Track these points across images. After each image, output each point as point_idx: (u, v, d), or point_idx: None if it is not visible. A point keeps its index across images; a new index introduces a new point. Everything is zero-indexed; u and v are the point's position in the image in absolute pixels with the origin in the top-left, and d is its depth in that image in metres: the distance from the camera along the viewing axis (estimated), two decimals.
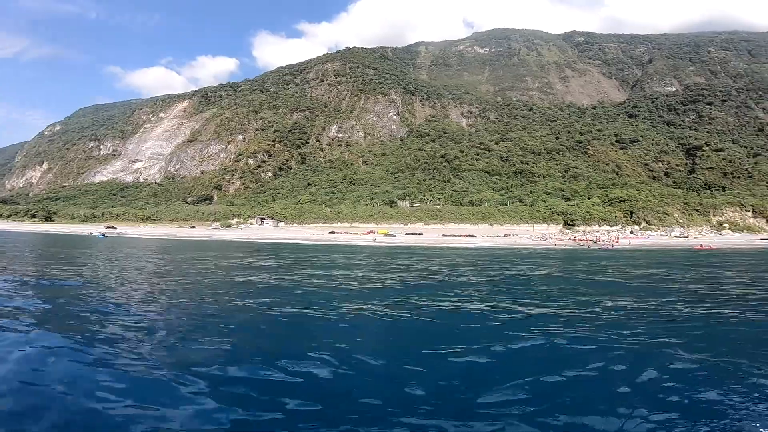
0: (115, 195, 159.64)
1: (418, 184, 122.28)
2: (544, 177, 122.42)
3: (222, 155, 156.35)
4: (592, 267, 35.09)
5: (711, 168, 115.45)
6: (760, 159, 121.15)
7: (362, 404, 7.32)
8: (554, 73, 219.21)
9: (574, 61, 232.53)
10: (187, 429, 6.57)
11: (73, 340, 10.82)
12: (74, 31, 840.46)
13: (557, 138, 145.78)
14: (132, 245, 57.36)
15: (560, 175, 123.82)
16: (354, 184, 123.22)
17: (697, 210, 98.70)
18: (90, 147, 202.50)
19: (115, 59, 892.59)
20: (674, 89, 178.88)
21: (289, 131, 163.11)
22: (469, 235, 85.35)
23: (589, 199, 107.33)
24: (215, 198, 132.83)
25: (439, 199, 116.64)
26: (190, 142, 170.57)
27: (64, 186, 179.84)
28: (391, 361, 9.92)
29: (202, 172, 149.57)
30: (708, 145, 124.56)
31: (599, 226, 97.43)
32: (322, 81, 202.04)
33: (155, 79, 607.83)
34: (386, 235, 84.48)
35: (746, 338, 12.88)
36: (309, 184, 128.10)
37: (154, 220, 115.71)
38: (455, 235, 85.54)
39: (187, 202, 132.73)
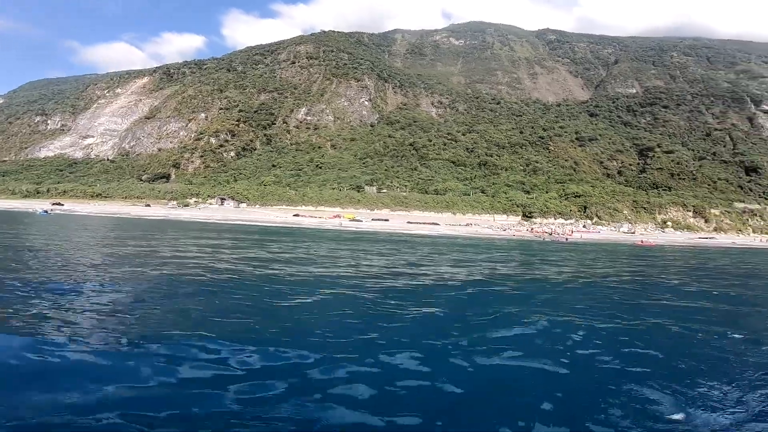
0: (62, 171, 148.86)
1: (386, 170, 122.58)
2: (506, 170, 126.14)
3: (182, 133, 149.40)
4: (547, 258, 36.84)
5: (660, 169, 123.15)
6: (705, 162, 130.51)
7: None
8: (524, 69, 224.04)
9: (544, 58, 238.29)
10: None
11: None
12: (29, 3, 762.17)
13: (521, 132, 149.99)
14: (79, 223, 54.02)
15: (522, 168, 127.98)
16: (321, 167, 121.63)
17: (644, 208, 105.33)
18: (36, 122, 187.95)
19: (73, 33, 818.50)
20: (635, 91, 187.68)
21: (255, 111, 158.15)
22: (433, 223, 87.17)
23: (547, 192, 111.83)
24: (173, 176, 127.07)
25: (405, 186, 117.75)
26: (148, 118, 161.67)
27: (4, 161, 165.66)
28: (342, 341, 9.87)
29: (159, 150, 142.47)
30: (659, 147, 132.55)
31: (555, 219, 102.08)
32: (293, 63, 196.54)
33: (115, 55, 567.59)
34: (353, 220, 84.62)
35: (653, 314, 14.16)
36: (274, 166, 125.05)
37: (106, 197, 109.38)
38: (420, 223, 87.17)
39: (141, 180, 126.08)
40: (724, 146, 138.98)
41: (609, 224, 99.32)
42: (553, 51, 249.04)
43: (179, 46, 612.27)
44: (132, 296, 13.05)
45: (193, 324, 10.23)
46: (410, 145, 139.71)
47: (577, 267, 29.90)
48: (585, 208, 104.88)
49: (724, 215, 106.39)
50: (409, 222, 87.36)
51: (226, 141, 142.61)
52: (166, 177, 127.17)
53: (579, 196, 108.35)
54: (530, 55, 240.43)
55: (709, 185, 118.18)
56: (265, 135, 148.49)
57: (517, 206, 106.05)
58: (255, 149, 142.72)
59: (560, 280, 21.81)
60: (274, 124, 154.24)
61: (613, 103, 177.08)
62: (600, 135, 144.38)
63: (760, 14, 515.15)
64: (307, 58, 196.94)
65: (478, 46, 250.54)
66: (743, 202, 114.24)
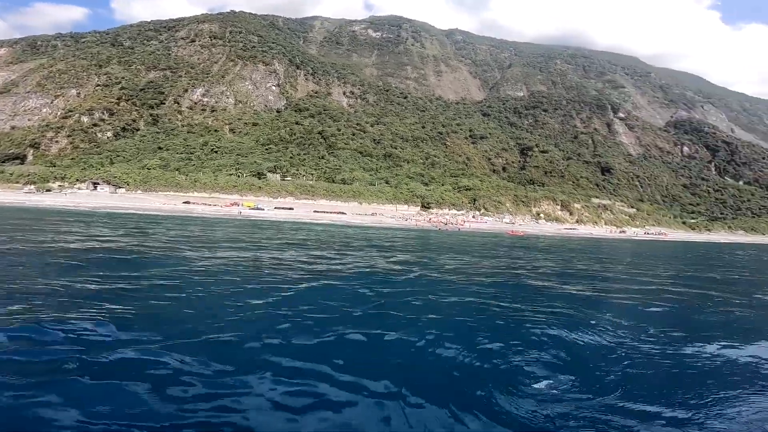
0: None
1: (291, 158, 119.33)
2: (408, 162, 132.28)
3: (45, 110, 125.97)
4: (444, 243, 39.99)
5: (536, 167, 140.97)
6: (571, 162, 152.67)
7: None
8: (431, 66, 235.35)
9: (450, 57, 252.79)
10: None
11: None
12: None
13: (423, 127, 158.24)
14: None
15: (422, 161, 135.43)
16: (217, 152, 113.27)
17: (523, 201, 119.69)
18: None
19: None
20: (522, 94, 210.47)
21: (141, 90, 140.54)
22: (340, 212, 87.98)
23: (443, 185, 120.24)
24: (30, 158, 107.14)
25: (312, 174, 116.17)
26: (1, 93, 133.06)
27: None
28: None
29: (12, 128, 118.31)
30: (537, 147, 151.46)
31: (449, 209, 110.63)
32: (193, 41, 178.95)
33: None
34: (253, 208, 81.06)
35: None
36: (160, 148, 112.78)
37: None
38: (326, 212, 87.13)
39: None
40: (587, 148, 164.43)
41: (494, 215, 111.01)
42: (459, 51, 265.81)
43: (55, 17, 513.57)
44: None
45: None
46: (319, 133, 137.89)
47: (461, 252, 33.22)
48: (475, 200, 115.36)
49: (584, 209, 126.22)
50: (315, 211, 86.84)
51: (102, 120, 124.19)
52: (21, 158, 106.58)
53: (470, 189, 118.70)
54: (438, 53, 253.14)
55: (573, 182, 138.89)
56: (151, 115, 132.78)
57: (417, 197, 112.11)
58: (138, 130, 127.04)
59: (448, 265, 24.04)
60: (164, 103, 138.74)
61: (504, 104, 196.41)
62: (490, 134, 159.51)
63: (630, 29, 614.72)
64: (210, 37, 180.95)
65: (394, 40, 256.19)
66: (598, 198, 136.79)
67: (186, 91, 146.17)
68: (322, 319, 10.44)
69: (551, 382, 7.32)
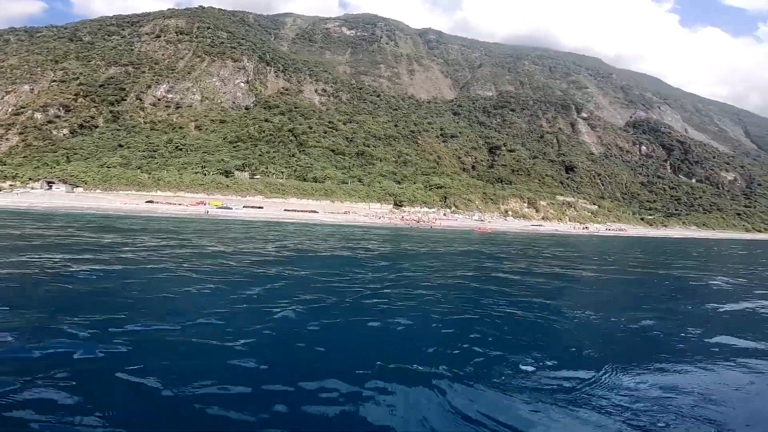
0: None
1: (260, 155, 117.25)
2: (381, 160, 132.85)
3: None
4: (421, 240, 40.45)
5: (504, 165, 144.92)
6: (537, 161, 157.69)
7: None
8: (404, 65, 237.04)
9: (422, 56, 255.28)
10: None
11: None
12: None
13: (396, 126, 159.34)
14: None
15: (394, 160, 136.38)
16: (181, 149, 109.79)
17: (491, 199, 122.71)
18: None
19: None
20: (491, 94, 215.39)
21: (100, 86, 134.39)
22: (312, 211, 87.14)
23: (414, 183, 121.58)
24: None
25: (282, 173, 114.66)
26: None
27: None
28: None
29: None
30: (505, 146, 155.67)
31: (421, 207, 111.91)
32: (158, 37, 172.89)
33: None
34: (221, 207, 79.20)
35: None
36: (121, 146, 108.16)
37: None
38: (297, 210, 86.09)
39: None
40: (552, 147, 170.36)
41: (464, 213, 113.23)
42: (431, 50, 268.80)
43: (9, 11, 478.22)
44: None
45: None
46: (289, 131, 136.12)
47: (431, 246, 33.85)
48: (445, 198, 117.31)
49: (550, 206, 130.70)
50: (286, 210, 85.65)
51: (58, 117, 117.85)
52: None
53: (441, 188, 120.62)
54: (411, 52, 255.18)
55: (539, 180, 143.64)
56: (111, 112, 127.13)
57: (390, 195, 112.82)
58: (96, 127, 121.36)
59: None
60: (125, 100, 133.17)
61: (473, 104, 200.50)
62: (460, 132, 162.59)
63: (595, 31, 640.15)
64: (176, 32, 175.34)
65: (368, 38, 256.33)
66: (563, 195, 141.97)
67: (149, 87, 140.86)
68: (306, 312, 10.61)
69: (530, 360, 7.89)
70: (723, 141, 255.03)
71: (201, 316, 9.61)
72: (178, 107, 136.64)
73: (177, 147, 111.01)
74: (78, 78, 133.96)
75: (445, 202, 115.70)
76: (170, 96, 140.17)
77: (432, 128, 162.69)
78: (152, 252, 19.93)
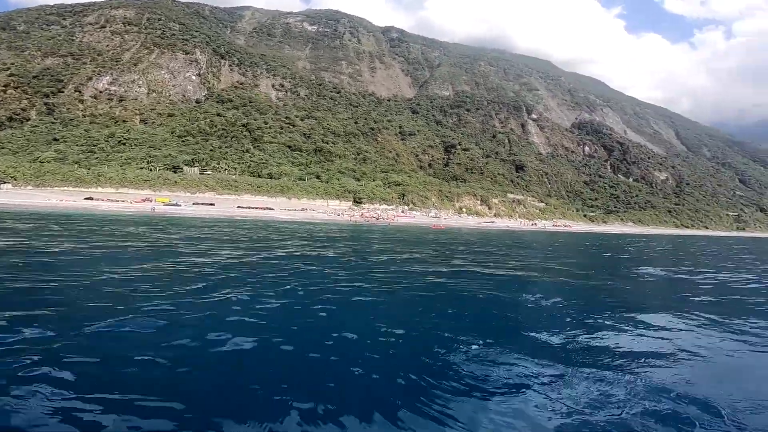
0: None
1: (211, 150, 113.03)
2: (339, 157, 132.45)
3: None
4: (376, 236, 40.75)
5: (459, 164, 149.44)
6: (490, 160, 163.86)
7: None
8: (366, 63, 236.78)
9: (384, 54, 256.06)
10: None
11: None
12: None
13: (356, 123, 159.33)
14: None
15: (353, 157, 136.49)
16: (125, 144, 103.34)
17: (447, 196, 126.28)
18: None
19: None
20: (448, 94, 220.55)
21: (34, 77, 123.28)
22: (267, 208, 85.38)
23: (374, 180, 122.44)
24: None
25: (235, 168, 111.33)
26: None
27: None
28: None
29: None
30: (460, 145, 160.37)
31: (380, 204, 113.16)
32: (103, 27, 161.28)
33: None
34: (168, 204, 75.74)
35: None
36: (56, 140, 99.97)
37: None
38: (252, 207, 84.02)
39: None
40: (504, 147, 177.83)
41: (421, 210, 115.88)
42: (393, 49, 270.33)
43: None
44: None
45: None
46: (243, 125, 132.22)
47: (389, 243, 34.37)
48: (403, 195, 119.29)
49: (501, 204, 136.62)
50: (239, 207, 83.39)
51: None
52: None
53: (399, 185, 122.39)
54: (374, 49, 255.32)
55: (491, 179, 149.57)
56: (45, 104, 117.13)
57: (349, 192, 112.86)
58: (28, 120, 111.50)
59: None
60: (62, 92, 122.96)
61: (431, 103, 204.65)
62: (418, 131, 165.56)
63: (547, 35, 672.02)
64: (123, 23, 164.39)
65: (330, 34, 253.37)
66: (513, 193, 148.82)
67: (90, 79, 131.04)
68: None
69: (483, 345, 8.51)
70: (657, 143, 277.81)
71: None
72: (122, 100, 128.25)
73: (120, 141, 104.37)
74: (9, 68, 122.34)
75: (403, 199, 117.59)
76: (113, 88, 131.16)
77: (391, 126, 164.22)
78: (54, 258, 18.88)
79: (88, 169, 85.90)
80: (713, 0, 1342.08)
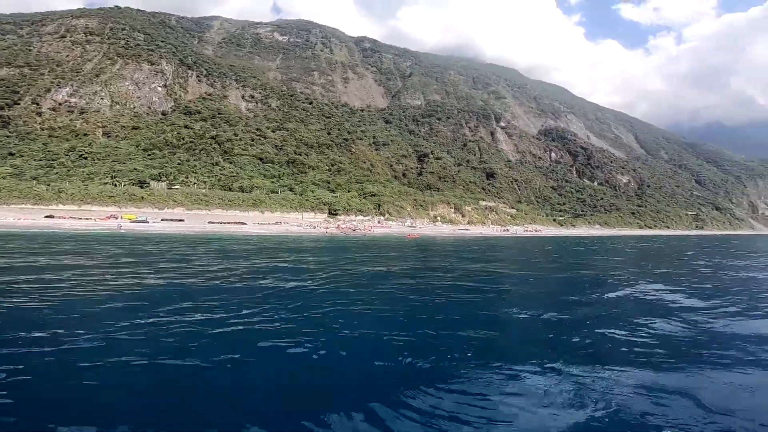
0: None
1: (179, 164, 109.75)
2: (313, 169, 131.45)
3: None
4: (353, 248, 40.44)
5: (432, 172, 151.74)
6: (462, 168, 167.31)
7: None
8: (339, 73, 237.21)
9: (357, 64, 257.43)
10: None
11: None
12: None
13: (329, 134, 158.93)
14: None
15: (327, 168, 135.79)
16: (86, 158, 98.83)
17: (422, 205, 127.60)
18: None
19: None
20: (420, 103, 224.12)
21: None
22: (240, 223, 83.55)
23: (349, 192, 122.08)
24: None
25: (204, 182, 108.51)
26: None
27: None
28: None
29: None
30: (432, 154, 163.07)
31: (356, 215, 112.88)
32: (63, 37, 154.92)
33: None
34: (135, 221, 72.88)
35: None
36: (11, 155, 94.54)
37: None
38: (224, 222, 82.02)
39: None
40: (474, 155, 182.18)
41: (397, 219, 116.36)
42: (366, 59, 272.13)
43: None
44: None
45: None
46: (212, 138, 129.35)
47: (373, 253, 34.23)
48: (379, 205, 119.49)
49: (474, 211, 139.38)
50: (210, 222, 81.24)
51: None
52: None
53: (374, 195, 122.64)
54: (346, 60, 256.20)
55: (464, 187, 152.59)
56: (0, 117, 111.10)
57: (324, 204, 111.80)
58: None
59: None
60: (18, 104, 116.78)
61: (404, 112, 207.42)
62: (391, 140, 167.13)
63: (512, 43, 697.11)
64: (85, 33, 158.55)
65: (302, 44, 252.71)
66: (485, 200, 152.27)
67: (48, 90, 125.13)
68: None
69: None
70: (618, 147, 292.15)
71: None
72: (83, 112, 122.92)
73: (81, 155, 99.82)
74: None
75: (379, 209, 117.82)
76: (74, 100, 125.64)
77: (365, 136, 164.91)
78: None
79: (48, 185, 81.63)
80: (665, 6, 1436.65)
